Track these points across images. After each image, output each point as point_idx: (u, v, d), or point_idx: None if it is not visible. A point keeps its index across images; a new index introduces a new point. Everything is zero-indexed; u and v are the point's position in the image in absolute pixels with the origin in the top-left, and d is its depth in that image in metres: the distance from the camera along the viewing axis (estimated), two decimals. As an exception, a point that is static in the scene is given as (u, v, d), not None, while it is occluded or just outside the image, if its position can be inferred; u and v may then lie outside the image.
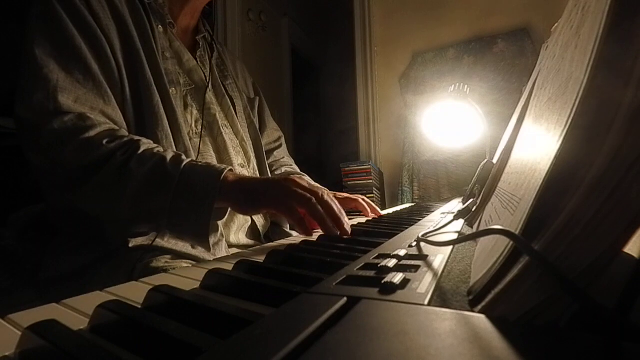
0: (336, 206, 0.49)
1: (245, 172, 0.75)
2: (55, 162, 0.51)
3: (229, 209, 0.54)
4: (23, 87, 0.51)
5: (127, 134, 0.55)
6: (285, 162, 0.97)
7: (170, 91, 0.62)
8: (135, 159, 0.50)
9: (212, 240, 0.61)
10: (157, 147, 0.55)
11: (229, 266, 0.32)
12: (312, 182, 0.92)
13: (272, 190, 0.50)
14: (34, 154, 0.53)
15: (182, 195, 0.49)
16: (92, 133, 0.51)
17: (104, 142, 0.50)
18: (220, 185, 0.49)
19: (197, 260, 0.57)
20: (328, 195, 0.49)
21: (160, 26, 0.67)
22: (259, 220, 0.75)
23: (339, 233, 0.48)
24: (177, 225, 0.51)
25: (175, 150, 0.61)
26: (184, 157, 0.52)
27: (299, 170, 0.97)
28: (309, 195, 0.48)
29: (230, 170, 0.52)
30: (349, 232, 0.49)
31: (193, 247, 0.59)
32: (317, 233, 0.50)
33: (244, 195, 0.50)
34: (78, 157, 0.50)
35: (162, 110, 0.60)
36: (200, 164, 0.52)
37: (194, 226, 0.49)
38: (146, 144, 0.54)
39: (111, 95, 0.56)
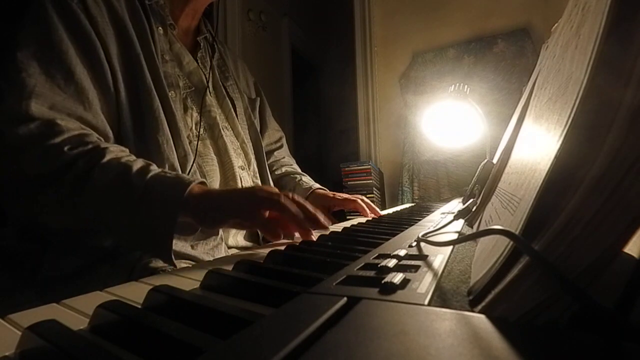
0: (309, 204, 0.48)
1: (245, 174, 0.74)
2: (12, 169, 0.48)
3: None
4: None
5: (95, 139, 0.52)
6: (286, 162, 0.97)
7: (170, 94, 0.62)
8: (99, 168, 0.47)
9: (206, 246, 0.61)
10: (126, 155, 0.52)
11: (228, 266, 0.32)
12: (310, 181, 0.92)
13: (235, 200, 0.47)
14: None
15: (144, 209, 0.46)
16: (56, 140, 0.47)
17: (66, 148, 0.47)
18: (185, 199, 0.45)
19: (196, 260, 0.57)
20: (298, 196, 0.48)
21: (160, 27, 0.67)
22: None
23: (314, 232, 0.46)
24: (139, 240, 0.48)
25: (176, 154, 0.60)
26: (153, 167, 0.49)
27: (299, 170, 0.97)
28: (275, 196, 0.46)
29: (202, 182, 0.49)
30: (328, 226, 0.47)
31: (193, 248, 0.59)
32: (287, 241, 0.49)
33: (206, 211, 0.46)
34: (37, 165, 0.47)
35: (162, 115, 0.59)
36: (168, 175, 0.49)
37: (155, 241, 0.46)
38: (114, 152, 0.50)
39: (93, 102, 0.54)
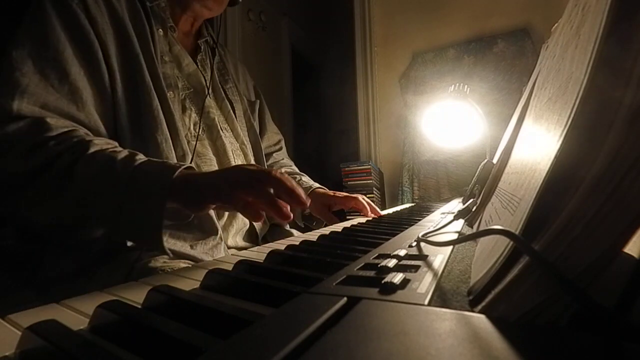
0: (288, 180, 0.43)
1: None
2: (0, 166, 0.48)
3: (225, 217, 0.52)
4: None
5: (82, 134, 0.51)
6: (285, 163, 0.98)
7: (168, 95, 0.62)
8: (83, 160, 0.46)
9: (206, 246, 0.61)
10: (113, 147, 0.51)
11: (228, 266, 0.32)
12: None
13: (213, 182, 0.44)
14: None
15: (130, 197, 0.44)
16: (43, 136, 0.48)
17: (51, 144, 0.47)
18: (171, 184, 0.44)
19: (195, 260, 0.57)
20: (278, 171, 0.44)
21: (160, 29, 0.67)
22: (258, 223, 0.75)
23: (290, 208, 0.42)
24: (128, 229, 0.46)
25: (174, 153, 0.61)
26: (139, 156, 0.48)
27: (298, 171, 0.97)
28: (254, 180, 0.43)
29: (189, 167, 0.48)
30: (307, 202, 0.44)
31: (192, 248, 0.59)
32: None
33: (189, 194, 0.45)
34: (22, 161, 0.47)
35: (161, 114, 0.60)
36: (155, 162, 0.48)
37: (145, 229, 0.45)
38: (98, 144, 0.49)
39: (87, 101, 0.54)
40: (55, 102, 0.51)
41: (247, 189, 0.43)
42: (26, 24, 0.53)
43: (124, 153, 0.48)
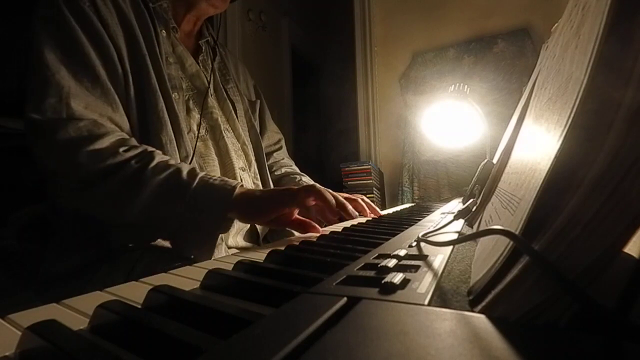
0: (339, 194, 0.56)
1: (246, 175, 0.75)
2: (69, 165, 0.52)
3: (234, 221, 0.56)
4: (35, 90, 0.51)
5: (136, 143, 0.56)
6: (285, 163, 0.98)
7: (173, 96, 0.63)
8: (151, 168, 0.52)
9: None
10: (169, 159, 0.57)
11: (228, 266, 0.32)
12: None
13: (278, 195, 0.53)
14: (46, 156, 0.53)
15: (195, 206, 0.51)
16: (106, 140, 0.52)
17: (121, 150, 0.52)
18: (232, 200, 0.51)
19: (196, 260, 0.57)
20: (327, 189, 0.55)
21: (163, 30, 0.67)
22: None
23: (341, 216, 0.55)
24: (186, 235, 0.52)
25: (177, 153, 0.61)
26: (198, 170, 0.54)
27: (298, 171, 0.97)
28: (314, 187, 0.53)
29: (242, 185, 0.54)
30: (355, 215, 0.58)
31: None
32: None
33: (252, 207, 0.52)
34: (93, 162, 0.51)
35: (166, 115, 0.61)
36: (214, 178, 0.54)
37: (202, 237, 0.51)
38: (160, 155, 0.55)
39: (119, 102, 0.57)
40: (94, 103, 0.54)
41: (310, 192, 0.52)
42: (46, 25, 0.54)
43: (186, 166, 0.55)
